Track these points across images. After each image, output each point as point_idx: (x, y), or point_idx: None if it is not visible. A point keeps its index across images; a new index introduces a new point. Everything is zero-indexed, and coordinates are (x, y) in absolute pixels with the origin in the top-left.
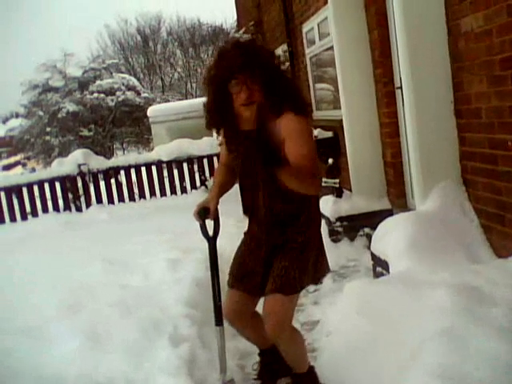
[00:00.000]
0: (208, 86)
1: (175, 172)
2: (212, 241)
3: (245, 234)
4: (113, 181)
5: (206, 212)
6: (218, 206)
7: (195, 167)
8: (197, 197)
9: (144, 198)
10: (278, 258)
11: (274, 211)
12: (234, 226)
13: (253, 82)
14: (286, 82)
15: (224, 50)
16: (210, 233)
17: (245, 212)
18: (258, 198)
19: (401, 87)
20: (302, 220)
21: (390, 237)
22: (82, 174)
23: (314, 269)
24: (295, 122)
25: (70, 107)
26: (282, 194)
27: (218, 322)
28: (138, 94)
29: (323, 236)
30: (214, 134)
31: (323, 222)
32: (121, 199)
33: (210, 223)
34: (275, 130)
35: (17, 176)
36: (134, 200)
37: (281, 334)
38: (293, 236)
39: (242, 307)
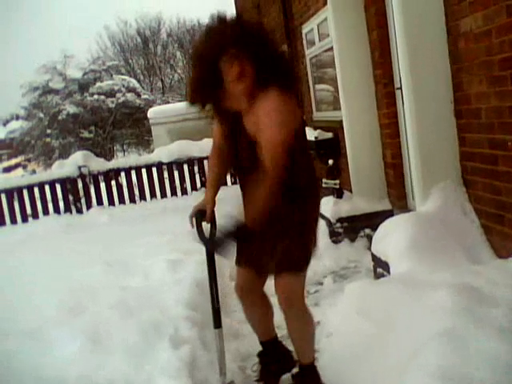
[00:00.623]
0: (196, 61)
1: (175, 173)
2: (209, 244)
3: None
4: (113, 182)
5: (202, 215)
6: (215, 209)
7: (195, 168)
8: (197, 198)
9: (144, 199)
10: (280, 237)
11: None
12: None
13: (244, 57)
14: (277, 57)
15: (212, 25)
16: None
17: (240, 189)
18: (248, 177)
19: (401, 88)
20: (296, 199)
21: (391, 238)
22: (82, 176)
23: (315, 242)
24: (274, 101)
25: (71, 109)
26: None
27: (217, 324)
28: (138, 95)
29: (323, 237)
30: None
31: (324, 222)
32: (121, 201)
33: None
34: (255, 110)
35: (17, 178)
36: (134, 202)
37: (293, 309)
38: (290, 215)
39: (251, 284)
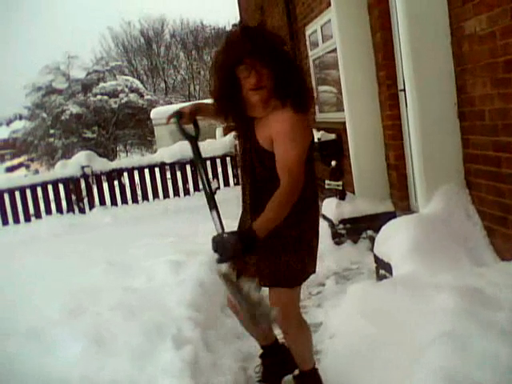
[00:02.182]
0: (216, 71)
1: (178, 174)
2: (194, 140)
3: (239, 225)
4: (116, 183)
5: (180, 115)
6: (198, 119)
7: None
8: (200, 199)
9: (147, 199)
10: (276, 250)
11: (262, 203)
12: (236, 228)
13: (262, 67)
14: (293, 68)
15: (232, 34)
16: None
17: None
18: (247, 190)
19: (404, 89)
20: (295, 215)
21: (393, 239)
22: (85, 176)
23: (313, 257)
24: (288, 120)
25: (74, 109)
26: (269, 185)
27: (211, 208)
28: (141, 96)
29: (326, 238)
30: (217, 136)
31: (326, 224)
32: (124, 201)
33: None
34: (269, 124)
35: (20, 178)
36: (137, 202)
37: (288, 322)
38: (288, 230)
39: None
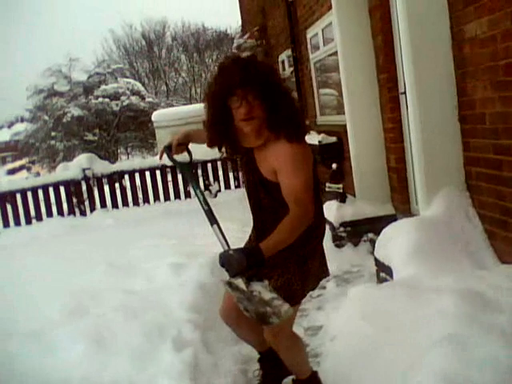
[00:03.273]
0: (208, 101)
1: (179, 176)
2: (187, 166)
3: (248, 240)
4: (117, 185)
5: (169, 149)
6: (191, 147)
7: (199, 171)
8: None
9: (148, 202)
10: (277, 268)
11: (269, 228)
12: (239, 230)
13: (253, 97)
14: (285, 98)
15: (224, 65)
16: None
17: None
18: (256, 211)
19: (405, 92)
20: (300, 237)
21: (394, 242)
22: (86, 179)
23: (316, 276)
24: (287, 152)
25: (75, 112)
26: (276, 213)
27: (212, 223)
28: (143, 98)
29: (327, 241)
30: None
31: (327, 227)
32: (125, 203)
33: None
34: (269, 156)
35: (22, 180)
36: (138, 204)
37: (279, 340)
38: (293, 250)
39: (237, 309)
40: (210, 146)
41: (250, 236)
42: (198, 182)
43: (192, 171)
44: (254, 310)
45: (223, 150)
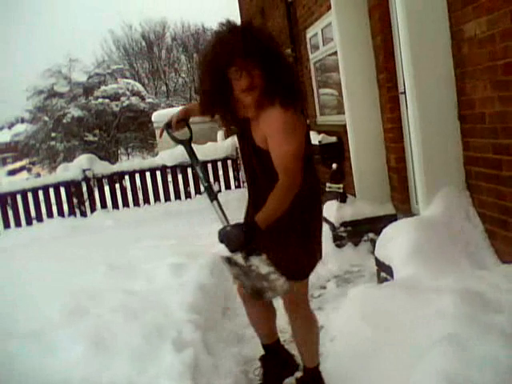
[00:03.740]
0: (204, 71)
1: (179, 177)
2: (188, 143)
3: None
4: (117, 186)
5: (168, 126)
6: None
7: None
8: (201, 202)
9: (148, 203)
10: (281, 244)
11: (264, 198)
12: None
13: (253, 67)
14: (284, 66)
15: (221, 33)
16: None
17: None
18: (251, 182)
19: (404, 92)
20: (299, 208)
21: (394, 242)
22: (86, 179)
23: (319, 249)
24: (279, 119)
25: (75, 112)
26: (270, 182)
27: (212, 198)
28: (143, 99)
29: (327, 241)
30: (218, 139)
31: (327, 227)
32: (125, 204)
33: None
34: (262, 123)
35: (22, 181)
36: (138, 205)
37: (297, 313)
38: (293, 223)
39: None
40: (204, 114)
41: (247, 208)
42: (198, 158)
43: (192, 148)
44: (250, 285)
45: (216, 117)
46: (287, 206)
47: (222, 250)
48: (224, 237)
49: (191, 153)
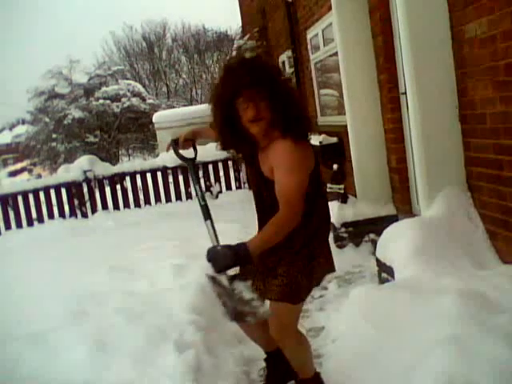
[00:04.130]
0: (215, 104)
1: (180, 178)
2: (192, 162)
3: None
4: (118, 187)
5: (175, 143)
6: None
7: (200, 173)
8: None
9: (149, 204)
10: (284, 265)
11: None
12: (240, 231)
13: (260, 98)
14: (291, 98)
15: (230, 66)
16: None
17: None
18: (260, 210)
19: (405, 93)
20: (304, 233)
21: (396, 243)
22: (87, 180)
23: (321, 272)
24: (286, 150)
25: (76, 114)
26: (273, 214)
27: (206, 217)
28: (144, 100)
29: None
30: None
31: None
32: (126, 205)
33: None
34: (270, 154)
35: (23, 182)
36: (139, 206)
37: (285, 338)
38: (297, 248)
39: None
40: (224, 149)
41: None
42: (199, 178)
43: (195, 167)
44: (231, 307)
45: (231, 150)
46: (283, 236)
47: (209, 268)
48: (212, 256)
49: (193, 172)
